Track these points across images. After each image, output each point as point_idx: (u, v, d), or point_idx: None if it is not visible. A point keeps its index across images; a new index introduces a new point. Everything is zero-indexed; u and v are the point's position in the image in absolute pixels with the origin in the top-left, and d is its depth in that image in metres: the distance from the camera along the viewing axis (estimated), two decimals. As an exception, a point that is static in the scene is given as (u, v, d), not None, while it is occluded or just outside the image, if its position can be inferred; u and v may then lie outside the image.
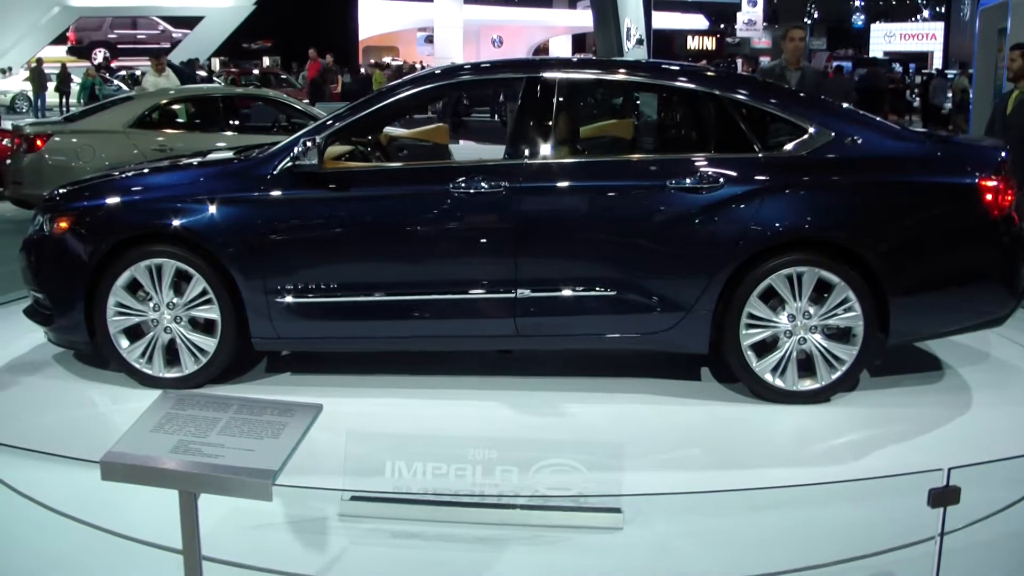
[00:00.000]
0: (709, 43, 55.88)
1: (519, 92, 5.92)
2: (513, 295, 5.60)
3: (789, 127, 5.70)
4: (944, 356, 6.59)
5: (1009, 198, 5.52)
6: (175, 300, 5.78)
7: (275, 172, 5.70)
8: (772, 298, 5.54)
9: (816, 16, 60.43)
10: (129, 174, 6.37)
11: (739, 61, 36.89)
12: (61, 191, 6.23)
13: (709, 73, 6.23)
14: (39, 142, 11.73)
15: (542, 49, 54.81)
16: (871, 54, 46.81)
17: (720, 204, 5.49)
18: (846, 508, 4.44)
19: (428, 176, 5.93)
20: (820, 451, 5.17)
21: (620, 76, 6.37)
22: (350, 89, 24.53)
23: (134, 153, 11.08)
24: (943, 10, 58.93)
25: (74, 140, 11.74)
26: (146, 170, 6.41)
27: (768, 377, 5.62)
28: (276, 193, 5.71)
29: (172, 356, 5.90)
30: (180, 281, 5.78)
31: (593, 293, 5.59)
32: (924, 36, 55.14)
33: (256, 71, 32.48)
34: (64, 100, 31.01)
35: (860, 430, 5.40)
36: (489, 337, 5.82)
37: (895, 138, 5.78)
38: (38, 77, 30.20)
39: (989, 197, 5.47)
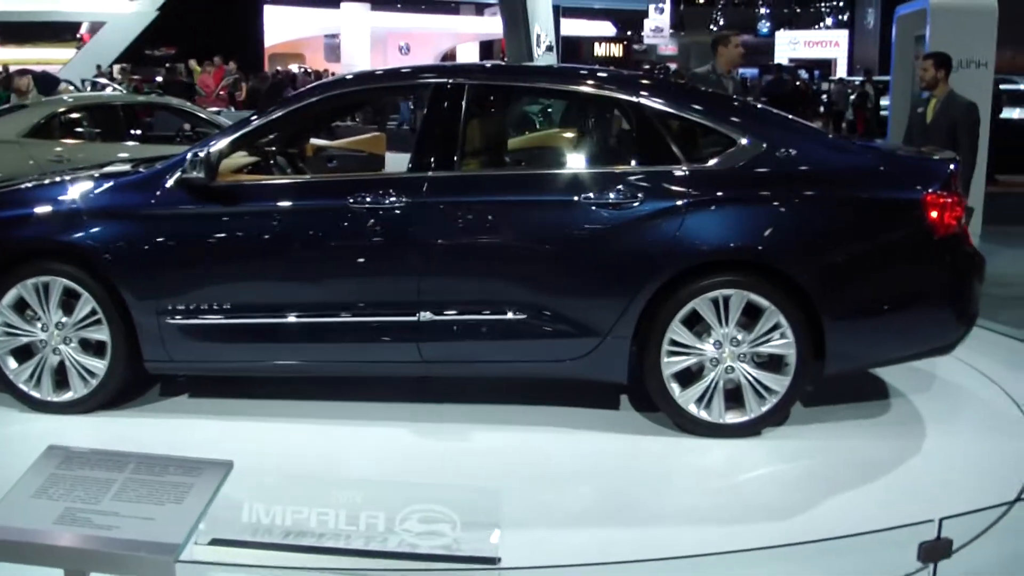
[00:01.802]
0: (616, 50, 56.00)
1: (425, 100, 5.62)
2: (416, 319, 5.25)
3: (718, 138, 5.36)
4: (888, 380, 6.12)
5: (958, 215, 5.14)
6: (64, 320, 5.47)
7: (166, 186, 5.40)
8: (697, 323, 5.11)
9: (722, 23, 61.04)
10: (20, 186, 6.09)
11: (671, 66, 36.93)
12: None
13: (630, 79, 5.85)
14: None
15: (449, 56, 54.51)
16: (776, 61, 47.25)
17: (638, 221, 5.07)
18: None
19: (324, 190, 5.63)
20: (748, 496, 4.68)
21: (534, 83, 6.05)
22: (257, 94, 24.00)
23: (29, 164, 10.59)
24: (847, 18, 59.95)
25: None
26: (38, 182, 6.12)
27: (692, 408, 5.17)
28: (165, 208, 5.41)
29: (63, 379, 5.57)
30: (71, 300, 5.47)
31: (501, 317, 5.21)
32: (828, 43, 55.90)
33: (159, 78, 31.63)
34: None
35: (793, 469, 4.98)
36: (391, 363, 5.46)
37: (833, 149, 5.48)
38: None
39: (935, 214, 5.05)
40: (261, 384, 5.88)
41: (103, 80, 29.18)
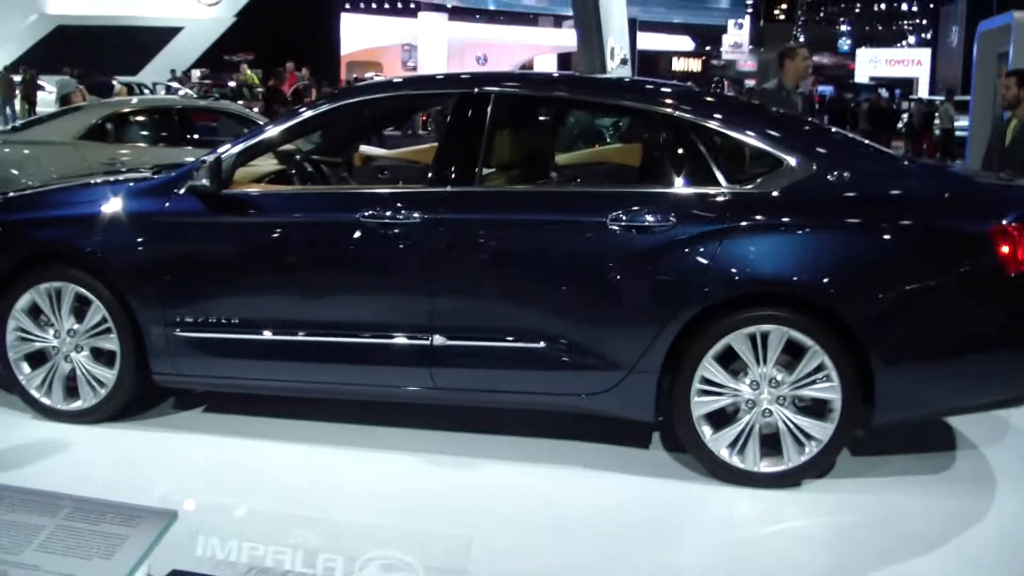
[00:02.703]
0: (695, 65, 55.50)
1: (448, 109, 5.26)
2: (428, 342, 4.92)
3: (763, 157, 4.87)
4: (960, 428, 5.45)
5: None
6: (76, 327, 5.31)
7: (176, 193, 5.19)
8: (733, 361, 4.62)
9: (802, 40, 60.16)
10: (47, 188, 6.01)
11: (725, 82, 36.37)
12: None
13: (666, 90, 5.37)
14: None
15: (527, 67, 54.41)
16: (856, 79, 46.52)
17: (669, 246, 4.60)
18: None
19: (336, 203, 5.30)
20: (766, 555, 4.15)
21: (565, 94, 5.60)
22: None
23: (84, 166, 10.42)
24: (930, 36, 58.88)
25: (18, 152, 11.08)
26: (58, 186, 6.05)
27: (723, 454, 4.66)
28: (174, 216, 5.21)
29: (76, 387, 5.41)
30: (85, 307, 5.31)
31: (519, 344, 4.82)
32: (910, 62, 54.91)
33: (232, 83, 31.81)
34: (31, 109, 30.34)
35: (828, 526, 4.43)
36: (403, 389, 5.07)
37: (894, 173, 4.89)
38: (6, 85, 29.56)
39: (1007, 248, 4.43)
40: (279, 402, 5.56)
41: (175, 84, 29.41)
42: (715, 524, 4.47)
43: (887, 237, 4.55)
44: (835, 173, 4.67)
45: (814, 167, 4.67)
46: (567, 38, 50.23)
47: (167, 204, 5.20)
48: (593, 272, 4.72)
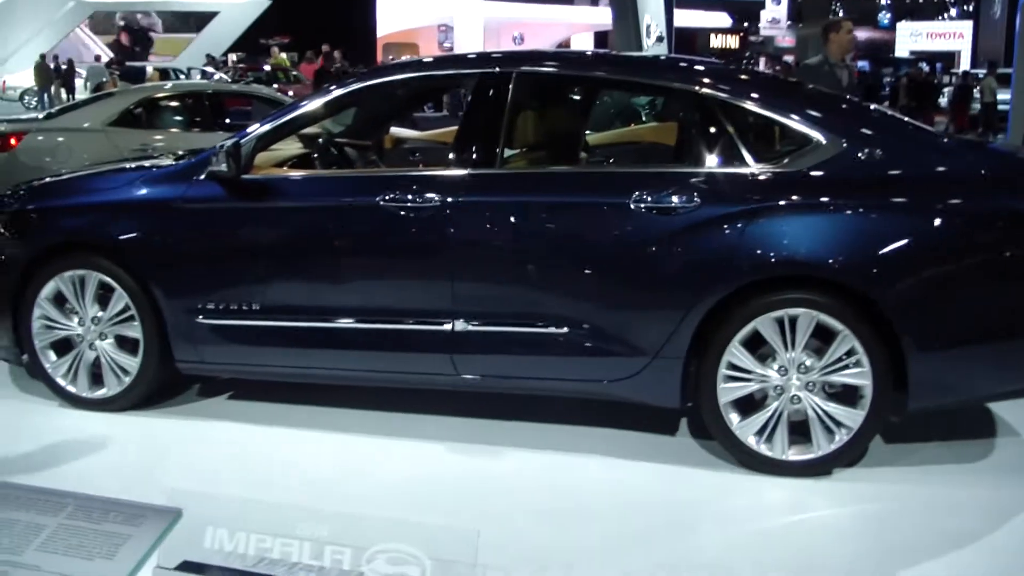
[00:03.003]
0: (733, 41, 55.06)
1: (469, 90, 5.17)
2: (450, 328, 4.80)
3: (792, 135, 4.72)
4: (1003, 415, 5.24)
5: None
6: (100, 315, 5.30)
7: (197, 179, 5.15)
8: (761, 346, 4.49)
9: (841, 14, 59.45)
10: (70, 176, 6.00)
11: (762, 60, 35.93)
12: (7, 192, 5.85)
13: (691, 66, 5.22)
14: (13, 140, 11.02)
15: (564, 46, 54.15)
16: (896, 53, 45.89)
17: (694, 228, 4.48)
18: None
19: (355, 187, 5.20)
20: (790, 545, 4.02)
21: (587, 72, 5.48)
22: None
23: (115, 153, 10.40)
24: (972, 8, 58.00)
25: (51, 139, 11.13)
26: (81, 173, 6.02)
27: (751, 441, 4.52)
28: (194, 202, 5.16)
29: (101, 375, 5.42)
30: (108, 294, 5.30)
31: (541, 330, 4.71)
32: (952, 35, 54.12)
33: (267, 67, 31.84)
34: (70, 95, 30.54)
35: (856, 515, 4.27)
36: (425, 375, 5.00)
37: (928, 150, 4.68)
38: (43, 72, 29.75)
39: None
40: (303, 389, 5.49)
41: (209, 69, 29.44)
42: (739, 513, 4.34)
43: (920, 217, 4.40)
44: (866, 151, 4.50)
45: (844, 144, 4.50)
46: (604, 17, 49.93)
47: (187, 190, 5.15)
48: (616, 255, 4.62)
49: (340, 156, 6.13)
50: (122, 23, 47.68)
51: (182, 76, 26.44)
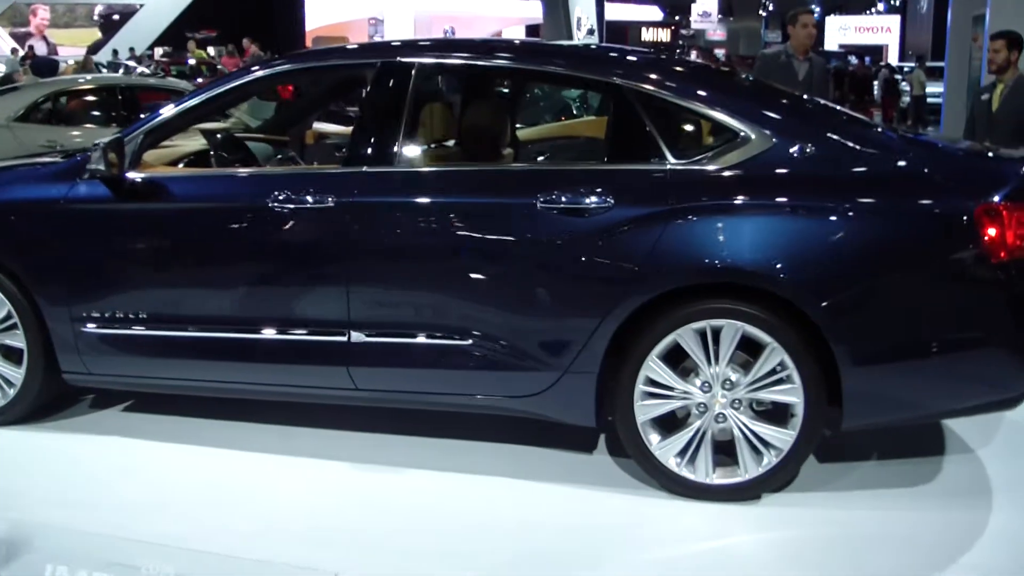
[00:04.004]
0: (664, 35, 55.11)
1: (367, 83, 4.79)
2: (346, 339, 4.48)
3: (716, 129, 4.38)
4: (956, 431, 4.91)
5: None
6: None
7: (84, 178, 4.83)
8: (684, 359, 4.14)
9: (771, 8, 59.76)
10: None
11: (693, 52, 35.84)
12: None
13: (605, 54, 4.89)
14: None
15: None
16: (825, 47, 46.18)
17: (605, 231, 4.10)
18: None
19: (243, 187, 4.83)
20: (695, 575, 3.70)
21: (490, 61, 4.97)
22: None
23: (20, 149, 10.09)
24: (899, 3, 58.62)
25: None
26: None
27: (672, 463, 4.18)
28: (76, 203, 4.85)
29: None
30: None
31: (442, 341, 4.37)
32: (879, 29, 54.58)
33: (192, 61, 31.17)
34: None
35: (776, 543, 3.91)
36: (323, 389, 4.66)
37: (866, 145, 4.23)
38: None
39: (993, 231, 3.87)
40: (209, 401, 5.13)
41: (131, 63, 28.75)
42: (651, 540, 4.01)
43: (855, 218, 4.01)
44: (798, 146, 4.12)
45: (773, 140, 4.13)
46: (536, 10, 49.81)
47: (70, 190, 4.85)
48: (521, 261, 4.27)
49: (243, 153, 5.73)
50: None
51: (103, 70, 25.74)
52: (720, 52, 41.44)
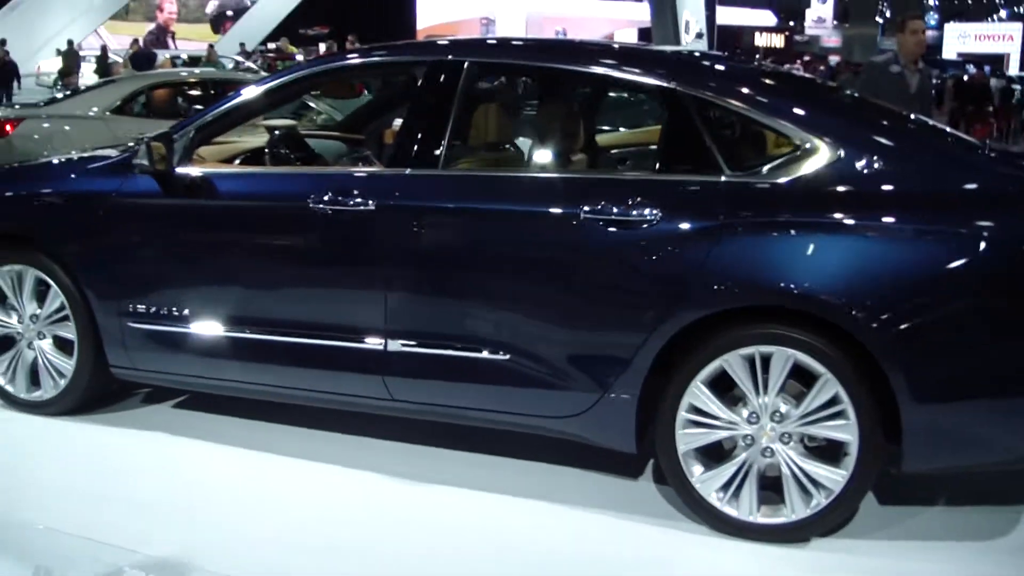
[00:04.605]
0: (778, 40, 54.30)
1: (414, 82, 4.63)
2: (382, 347, 4.31)
3: (777, 139, 4.08)
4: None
5: None
6: (38, 313, 5.06)
7: (132, 173, 4.79)
8: (732, 387, 3.83)
9: (888, 15, 58.44)
10: (20, 165, 5.87)
11: (799, 62, 35.08)
12: None
13: (660, 56, 4.60)
14: (8, 127, 10.83)
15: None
16: (944, 55, 44.99)
17: (651, 246, 3.83)
18: None
19: (285, 186, 4.70)
20: None
21: (537, 62, 4.78)
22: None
23: (113, 140, 10.09)
24: (1022, 10, 56.88)
25: (47, 125, 10.95)
26: (36, 162, 5.83)
27: (713, 499, 3.87)
28: (128, 198, 4.81)
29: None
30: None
31: (479, 355, 4.15)
32: (1000, 37, 52.98)
33: (301, 56, 31.53)
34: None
35: None
36: (358, 398, 4.50)
37: (953, 164, 3.90)
38: (72, 58, 29.51)
39: None
40: (262, 403, 5.02)
41: (239, 58, 29.17)
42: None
43: (925, 243, 3.63)
44: (869, 161, 3.76)
45: (841, 152, 3.77)
46: (647, 12, 49.52)
47: (122, 184, 4.81)
48: (561, 274, 4.02)
49: (304, 150, 5.58)
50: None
51: (227, 64, 26.11)
52: (835, 59, 40.61)
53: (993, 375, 3.60)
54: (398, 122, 6.69)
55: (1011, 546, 3.88)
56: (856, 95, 5.19)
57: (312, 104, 11.32)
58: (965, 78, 27.76)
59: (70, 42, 29.33)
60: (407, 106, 4.73)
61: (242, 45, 34.88)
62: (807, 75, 6.72)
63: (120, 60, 18.55)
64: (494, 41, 5.09)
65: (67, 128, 10.70)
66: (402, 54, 4.96)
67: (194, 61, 26.40)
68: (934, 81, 8.08)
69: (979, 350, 3.60)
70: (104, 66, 16.27)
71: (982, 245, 3.60)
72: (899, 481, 3.92)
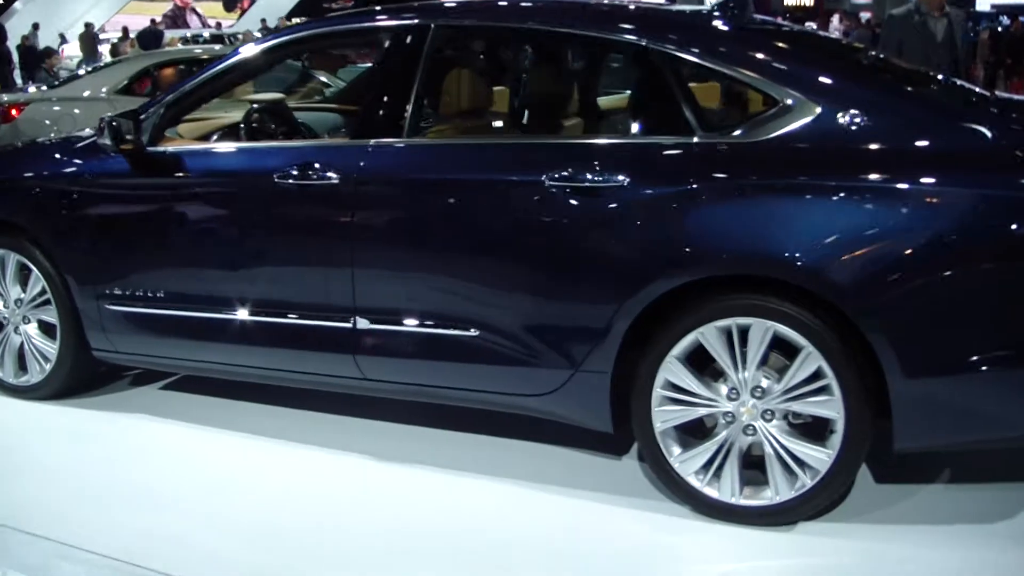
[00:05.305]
0: (808, -1, 53.44)
1: (382, 48, 4.57)
2: (351, 325, 4.16)
3: (753, 96, 3.82)
4: None
5: None
6: (22, 297, 5.11)
7: (106, 154, 4.73)
8: (712, 362, 3.61)
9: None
10: (2, 149, 5.89)
11: (835, 17, 34.23)
12: None
13: (628, 11, 4.29)
14: (14, 112, 10.89)
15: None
16: (977, 7, 44.05)
17: (620, 212, 3.61)
18: None
19: (249, 161, 4.58)
20: None
21: (513, 23, 4.48)
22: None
23: None
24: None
25: (54, 108, 10.92)
26: (17, 146, 5.98)
27: (693, 480, 3.66)
28: (100, 178, 4.80)
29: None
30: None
31: (448, 331, 3.98)
32: (1038, -13, 51.94)
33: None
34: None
35: None
36: (328, 377, 4.37)
37: (933, 114, 3.62)
38: (88, 42, 29.51)
39: None
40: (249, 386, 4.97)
41: (258, 35, 29.00)
42: (655, 561, 3.49)
43: (915, 205, 3.33)
44: (851, 116, 3.47)
45: (818, 109, 3.50)
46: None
47: (92, 165, 4.81)
48: (526, 245, 3.81)
49: (286, 124, 5.40)
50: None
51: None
52: (866, 16, 39.85)
53: (990, 347, 3.32)
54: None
55: (1017, 530, 3.60)
56: (852, 46, 4.96)
57: (324, 79, 11.11)
58: (999, 29, 27.15)
59: (88, 25, 29.29)
60: (374, 75, 4.56)
61: (263, 21, 34.72)
62: (804, 28, 6.37)
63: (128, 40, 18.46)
64: (458, 3, 4.81)
65: (76, 111, 10.62)
66: (368, 20, 4.71)
67: (216, 39, 26.24)
68: (969, 34, 7.77)
69: (970, 323, 3.33)
70: (116, 47, 16.22)
71: (978, 209, 3.32)
72: (899, 459, 3.62)
